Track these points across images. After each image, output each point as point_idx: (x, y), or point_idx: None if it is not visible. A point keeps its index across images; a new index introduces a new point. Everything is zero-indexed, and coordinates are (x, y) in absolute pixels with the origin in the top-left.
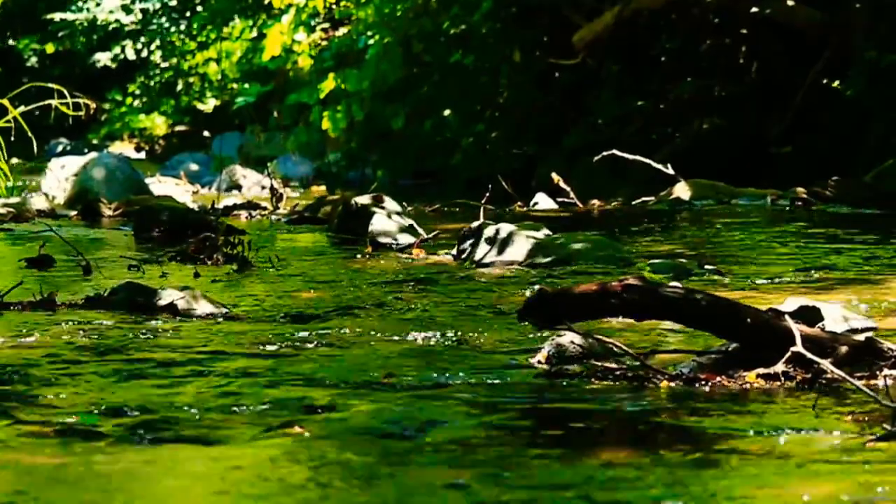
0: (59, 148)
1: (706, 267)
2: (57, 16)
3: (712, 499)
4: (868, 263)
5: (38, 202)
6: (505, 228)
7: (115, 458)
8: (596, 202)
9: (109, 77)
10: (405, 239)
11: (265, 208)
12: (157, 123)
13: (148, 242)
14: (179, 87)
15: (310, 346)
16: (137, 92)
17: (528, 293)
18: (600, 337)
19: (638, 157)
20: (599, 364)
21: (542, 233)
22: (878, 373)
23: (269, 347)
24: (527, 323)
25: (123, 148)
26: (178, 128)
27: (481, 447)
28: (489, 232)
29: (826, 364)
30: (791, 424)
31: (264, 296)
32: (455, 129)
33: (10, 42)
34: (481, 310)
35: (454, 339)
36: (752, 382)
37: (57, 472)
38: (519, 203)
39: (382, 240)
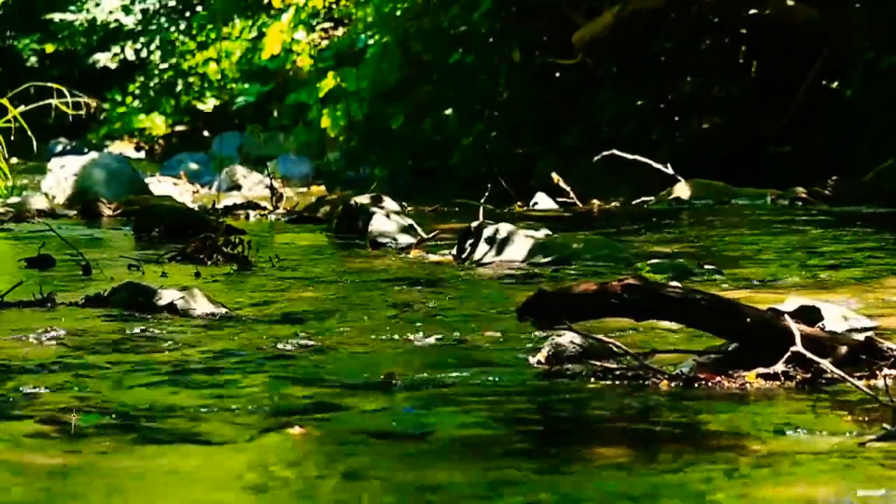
0: (59, 148)
1: (706, 267)
2: (56, 16)
3: (712, 499)
4: (868, 263)
5: (38, 202)
6: (504, 228)
7: (115, 458)
8: (596, 202)
9: (109, 77)
10: (405, 239)
11: (265, 208)
12: (157, 123)
13: (148, 242)
14: (179, 86)
15: (310, 346)
16: (137, 92)
17: (527, 293)
18: (600, 337)
19: (638, 157)
20: (599, 364)
21: (542, 233)
22: (878, 373)
23: (269, 347)
24: (527, 323)
25: (123, 148)
26: (178, 128)
27: (481, 447)
28: (489, 232)
29: (826, 364)
30: (791, 424)
31: (264, 296)
32: (454, 129)
33: (10, 42)
34: (481, 310)
35: (454, 339)
36: (752, 382)
37: (57, 472)
38: (519, 203)
39: (382, 240)
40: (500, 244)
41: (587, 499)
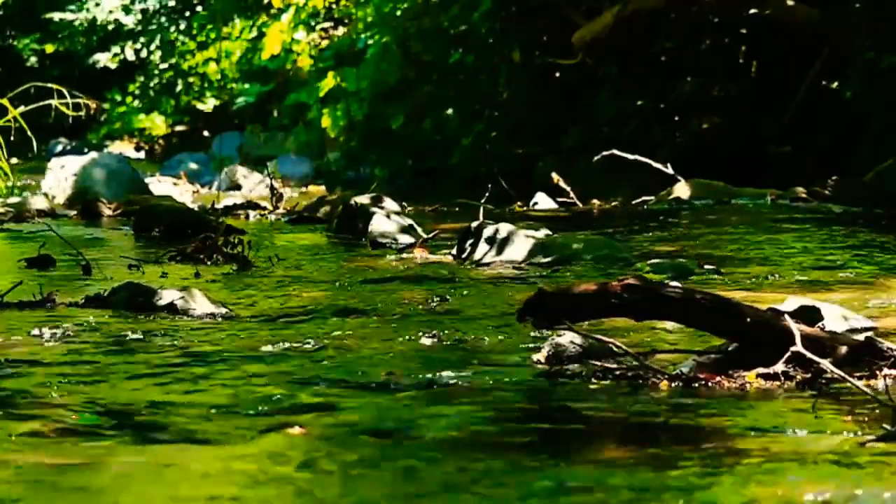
0: (59, 148)
1: (706, 267)
2: (56, 16)
3: (712, 499)
4: (868, 263)
5: (38, 202)
6: (504, 228)
7: (115, 458)
8: (596, 202)
9: (109, 77)
10: (405, 239)
11: (265, 208)
12: (157, 123)
13: (148, 242)
14: (179, 87)
15: (310, 346)
16: (137, 92)
17: (527, 293)
18: (600, 337)
19: (638, 157)
20: (599, 364)
21: (542, 233)
22: (878, 373)
23: (268, 347)
24: (527, 323)
25: (123, 148)
26: (178, 128)
27: (481, 447)
28: (489, 231)
29: (826, 364)
30: (791, 424)
31: (264, 296)
32: (454, 129)
33: (10, 42)
34: (481, 310)
35: (454, 339)
36: (751, 382)
37: (57, 472)
38: (519, 203)
39: (382, 240)
40: (500, 244)
41: (587, 499)
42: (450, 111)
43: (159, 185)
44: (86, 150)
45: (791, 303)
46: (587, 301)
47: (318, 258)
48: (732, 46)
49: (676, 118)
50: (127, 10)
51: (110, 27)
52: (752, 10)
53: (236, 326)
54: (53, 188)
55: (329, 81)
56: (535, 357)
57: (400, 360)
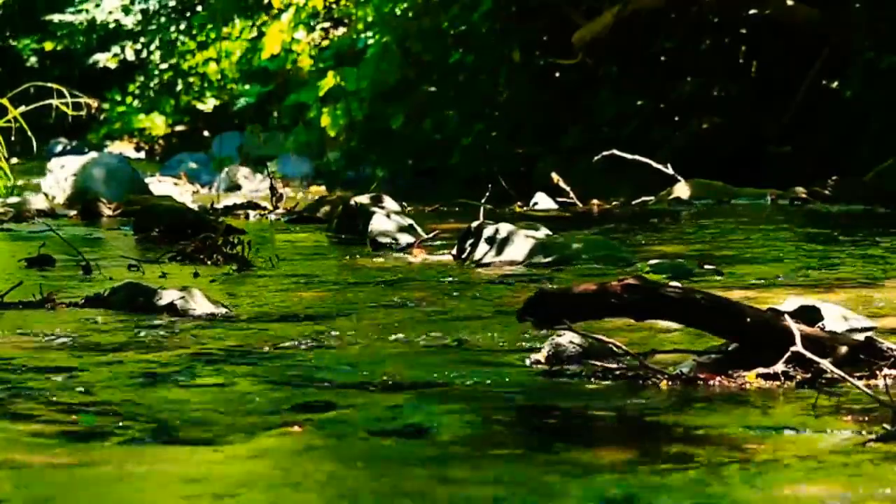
0: (59, 148)
1: (706, 267)
2: (56, 16)
3: (711, 499)
4: (868, 263)
5: (38, 202)
6: (504, 228)
7: (115, 458)
8: (596, 202)
9: (109, 77)
10: (405, 239)
11: (265, 208)
12: (157, 123)
13: (148, 242)
14: (179, 86)
15: (310, 346)
16: (137, 92)
17: (527, 293)
18: (600, 337)
19: (638, 157)
20: (599, 364)
21: (542, 233)
22: (878, 373)
23: (269, 347)
24: (527, 323)
25: (123, 148)
26: (178, 128)
27: (481, 447)
28: (489, 232)
29: (826, 364)
30: (791, 424)
31: (264, 296)
32: (454, 129)
33: (10, 42)
34: (481, 310)
35: (454, 339)
36: (751, 382)
37: (57, 472)
38: (519, 203)
39: (382, 240)
40: (500, 244)
41: (587, 499)
42: (450, 111)
43: (159, 185)
44: (86, 150)
45: (791, 303)
46: (587, 301)
47: (318, 258)
48: (732, 46)
49: (676, 118)
50: (127, 10)
51: (110, 27)
52: (752, 10)
53: (236, 326)
54: (53, 188)
55: (329, 81)
56: (535, 357)
57: (400, 360)
